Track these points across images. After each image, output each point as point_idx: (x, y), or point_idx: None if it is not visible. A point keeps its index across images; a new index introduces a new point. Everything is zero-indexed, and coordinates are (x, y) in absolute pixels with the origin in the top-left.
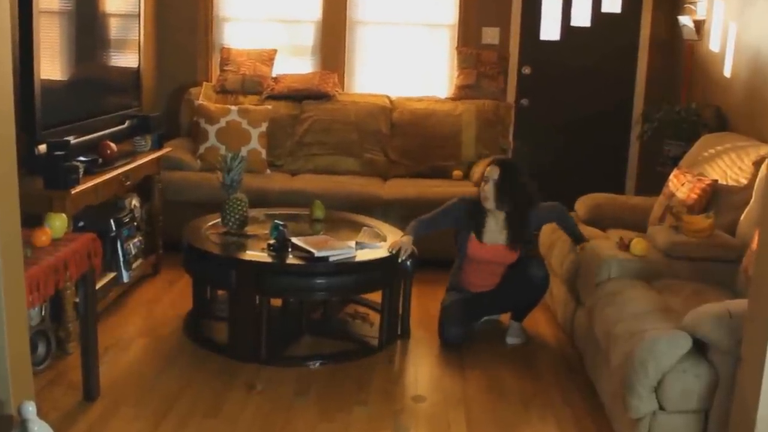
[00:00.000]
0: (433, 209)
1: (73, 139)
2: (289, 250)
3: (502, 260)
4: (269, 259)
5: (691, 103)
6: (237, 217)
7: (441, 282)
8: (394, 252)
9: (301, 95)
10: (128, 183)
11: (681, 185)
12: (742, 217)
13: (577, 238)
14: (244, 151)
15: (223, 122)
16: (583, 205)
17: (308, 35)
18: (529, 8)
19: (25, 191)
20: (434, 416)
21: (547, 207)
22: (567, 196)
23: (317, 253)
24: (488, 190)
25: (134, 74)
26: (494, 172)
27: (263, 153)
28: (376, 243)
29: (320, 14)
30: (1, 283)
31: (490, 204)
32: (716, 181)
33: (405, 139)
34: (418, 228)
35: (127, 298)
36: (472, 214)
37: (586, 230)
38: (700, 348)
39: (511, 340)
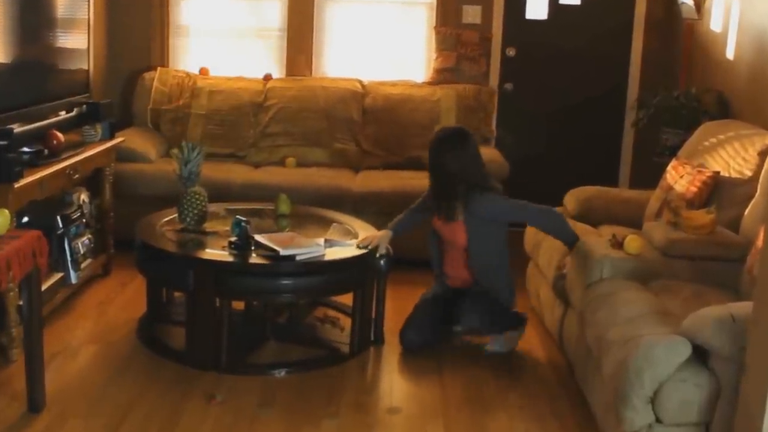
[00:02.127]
0: (409, 203)
1: (16, 128)
2: (252, 248)
3: (453, 238)
4: (230, 258)
5: (691, 88)
6: (195, 212)
7: (417, 283)
8: (367, 247)
9: None
10: (76, 176)
11: (679, 177)
12: (746, 213)
13: (569, 242)
14: None
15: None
16: (572, 198)
17: (273, 14)
18: None
19: None
20: (410, 430)
21: (514, 202)
22: (555, 189)
23: (283, 252)
24: None
25: (83, 57)
26: None
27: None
28: (347, 240)
29: None
30: None
31: None
32: (718, 172)
33: (378, 128)
34: (397, 225)
35: (75, 301)
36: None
37: (576, 226)
38: (700, 355)
39: (490, 347)
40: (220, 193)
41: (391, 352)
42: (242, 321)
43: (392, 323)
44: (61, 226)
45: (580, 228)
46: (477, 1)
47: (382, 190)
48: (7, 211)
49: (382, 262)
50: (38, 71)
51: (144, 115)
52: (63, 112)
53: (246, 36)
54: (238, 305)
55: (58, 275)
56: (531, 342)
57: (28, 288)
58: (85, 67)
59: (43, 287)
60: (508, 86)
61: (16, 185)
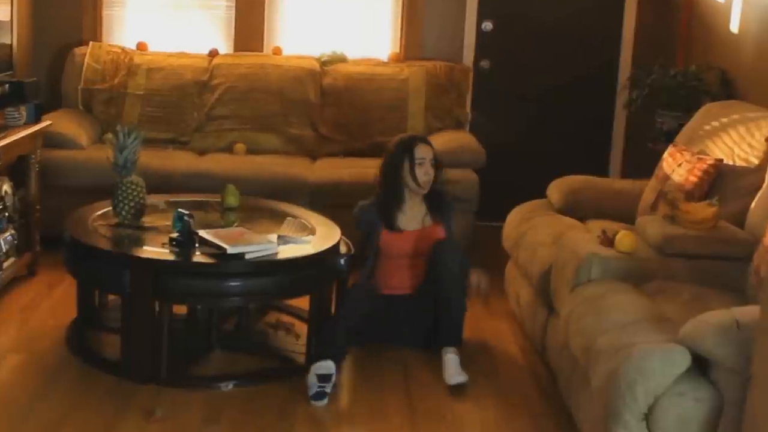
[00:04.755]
0: (372, 194)
1: None
2: (196, 245)
3: (419, 244)
4: (171, 257)
5: (690, 65)
6: (132, 205)
7: None
8: None
9: None
10: None
11: (677, 166)
12: (752, 205)
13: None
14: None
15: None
16: (557, 190)
17: None
18: None
19: None
20: None
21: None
22: (538, 180)
23: (230, 250)
24: (432, 172)
25: (5, 30)
26: (428, 152)
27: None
28: (303, 237)
29: None
30: None
31: (428, 187)
32: (721, 160)
33: (338, 110)
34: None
35: None
36: (382, 210)
37: (561, 221)
38: (700, 366)
39: (455, 378)
40: (160, 183)
41: (352, 362)
42: (184, 328)
43: None
44: None
45: (565, 223)
46: None
47: (342, 180)
48: None
49: (341, 261)
50: None
51: (74, 96)
52: None
53: (189, 6)
54: (180, 310)
55: None
56: (510, 351)
57: None
58: (8, 42)
59: None
60: (485, 64)
61: None
